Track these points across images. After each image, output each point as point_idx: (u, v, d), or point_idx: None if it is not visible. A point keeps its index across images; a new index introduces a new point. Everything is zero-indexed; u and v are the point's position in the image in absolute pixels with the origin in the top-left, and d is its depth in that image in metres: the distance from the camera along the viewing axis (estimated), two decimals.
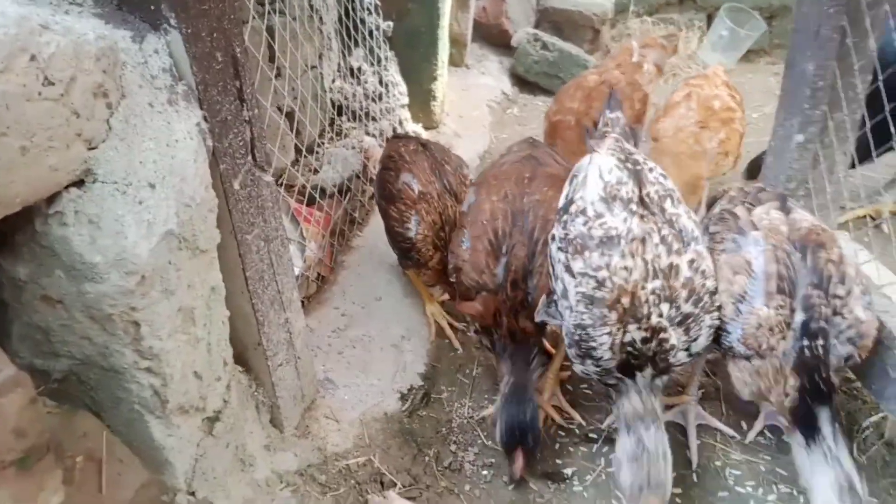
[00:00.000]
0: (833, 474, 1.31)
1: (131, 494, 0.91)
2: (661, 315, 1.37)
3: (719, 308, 1.42)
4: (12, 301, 1.00)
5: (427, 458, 1.66)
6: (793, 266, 1.40)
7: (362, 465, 1.56)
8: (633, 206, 1.42)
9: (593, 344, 1.39)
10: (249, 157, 1.22)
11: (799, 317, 1.36)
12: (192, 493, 1.19)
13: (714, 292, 1.43)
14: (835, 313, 1.37)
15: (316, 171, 2.18)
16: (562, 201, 1.52)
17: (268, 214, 1.31)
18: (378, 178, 2.06)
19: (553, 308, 1.51)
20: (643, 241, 1.38)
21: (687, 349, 1.41)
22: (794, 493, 1.60)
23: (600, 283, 1.36)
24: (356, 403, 1.72)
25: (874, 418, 1.75)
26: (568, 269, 1.41)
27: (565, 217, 1.47)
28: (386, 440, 1.66)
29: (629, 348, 1.39)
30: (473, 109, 3.36)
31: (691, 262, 1.40)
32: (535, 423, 1.54)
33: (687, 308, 1.38)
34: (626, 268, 1.36)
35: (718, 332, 1.43)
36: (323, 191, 2.17)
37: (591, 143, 1.63)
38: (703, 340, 1.40)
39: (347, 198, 2.24)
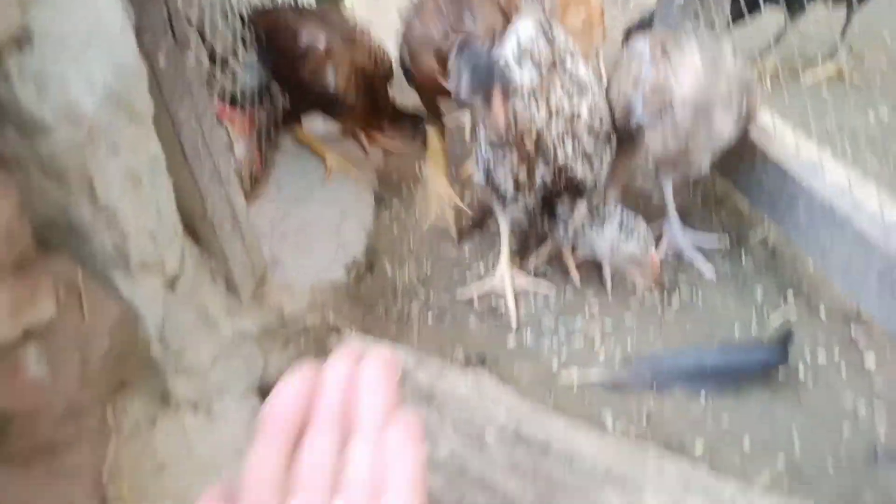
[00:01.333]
0: None
1: (111, 323, 1.03)
2: (566, 155, 1.58)
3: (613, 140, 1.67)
4: None
5: (376, 314, 1.84)
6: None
7: (318, 323, 1.73)
8: (541, 63, 1.58)
9: (497, 183, 1.60)
10: (170, 34, 1.31)
11: None
12: (165, 345, 1.32)
13: (608, 130, 1.68)
14: None
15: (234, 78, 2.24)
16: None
17: (195, 91, 1.40)
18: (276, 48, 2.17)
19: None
20: (546, 90, 1.56)
21: (594, 180, 1.65)
22: (692, 298, 1.86)
23: (505, 127, 1.54)
24: (305, 277, 1.86)
25: (759, 233, 2.02)
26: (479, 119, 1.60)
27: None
28: (337, 303, 1.82)
29: (542, 190, 1.62)
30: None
31: (590, 108, 1.61)
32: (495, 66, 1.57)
33: (589, 146, 1.59)
34: (529, 113, 1.54)
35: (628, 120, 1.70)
36: (243, 94, 2.24)
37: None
38: (605, 170, 1.66)
39: (267, 100, 2.32)
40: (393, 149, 2.38)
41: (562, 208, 1.69)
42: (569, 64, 1.63)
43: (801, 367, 1.64)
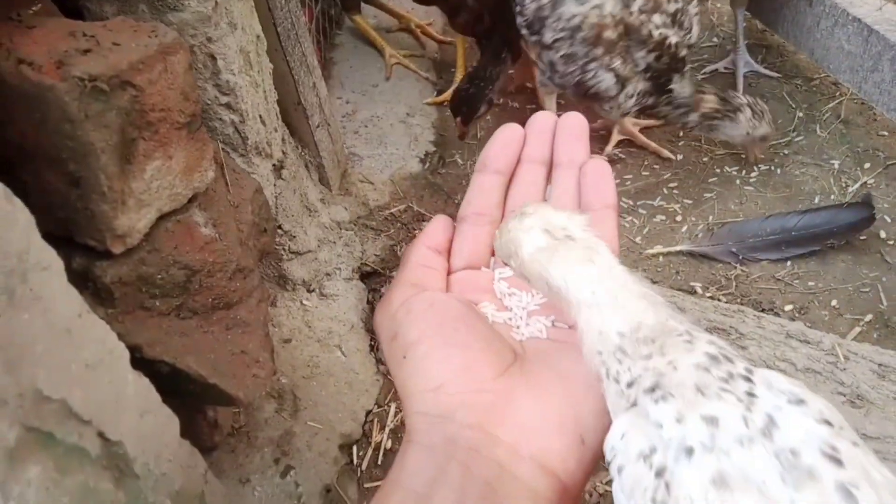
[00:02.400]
0: None
1: (250, 195, 1.07)
2: (657, 27, 1.53)
3: None
4: None
5: (456, 202, 1.87)
6: None
7: (403, 212, 1.77)
8: None
9: (593, 88, 1.56)
10: None
11: None
12: (280, 226, 1.37)
13: None
14: None
15: None
16: None
17: None
18: None
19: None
20: None
21: (687, 44, 1.59)
22: (772, 168, 1.87)
23: (574, 30, 1.50)
24: (383, 168, 1.89)
25: (831, 105, 2.00)
26: (543, 45, 1.57)
27: (519, 7, 1.61)
28: (417, 192, 1.86)
29: (649, 73, 1.58)
30: None
31: None
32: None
33: (672, 7, 1.54)
34: (594, 6, 1.49)
35: None
36: None
37: None
38: (697, 29, 1.59)
39: None
40: (446, 40, 2.35)
41: (674, 87, 1.64)
42: None
43: (882, 229, 1.67)
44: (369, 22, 2.33)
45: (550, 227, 0.52)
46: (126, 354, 0.74)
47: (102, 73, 0.69)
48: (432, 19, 2.35)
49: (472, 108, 1.85)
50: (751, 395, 0.43)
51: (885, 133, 1.89)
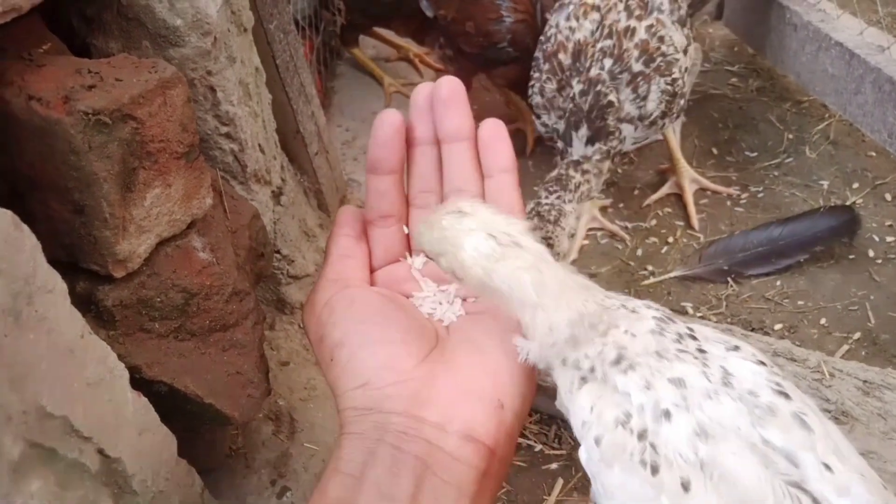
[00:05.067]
0: None
1: (247, 220, 1.11)
2: (601, 69, 1.46)
3: (675, 80, 1.49)
4: None
5: None
6: None
7: None
8: None
9: (531, 94, 1.57)
10: None
11: None
12: (278, 251, 1.41)
13: (670, 60, 1.49)
14: None
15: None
16: None
17: (281, 7, 1.44)
18: None
19: None
20: (605, 8, 1.50)
21: (638, 112, 1.48)
22: (762, 189, 1.91)
23: (545, 40, 1.56)
24: None
25: (820, 126, 2.04)
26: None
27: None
28: None
29: (570, 105, 1.47)
30: None
31: (650, 26, 1.49)
32: None
33: (637, 67, 1.46)
34: (570, 27, 1.51)
35: None
36: (297, 22, 2.27)
37: None
38: (653, 105, 1.48)
39: (322, 26, 2.34)
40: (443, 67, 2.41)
41: (576, 139, 1.47)
42: None
43: (870, 248, 1.70)
44: (368, 53, 2.39)
45: (494, 231, 0.55)
46: (126, 374, 0.78)
47: (105, 108, 0.73)
48: (429, 49, 2.42)
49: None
50: (701, 351, 0.48)
51: (874, 153, 1.92)
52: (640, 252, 1.80)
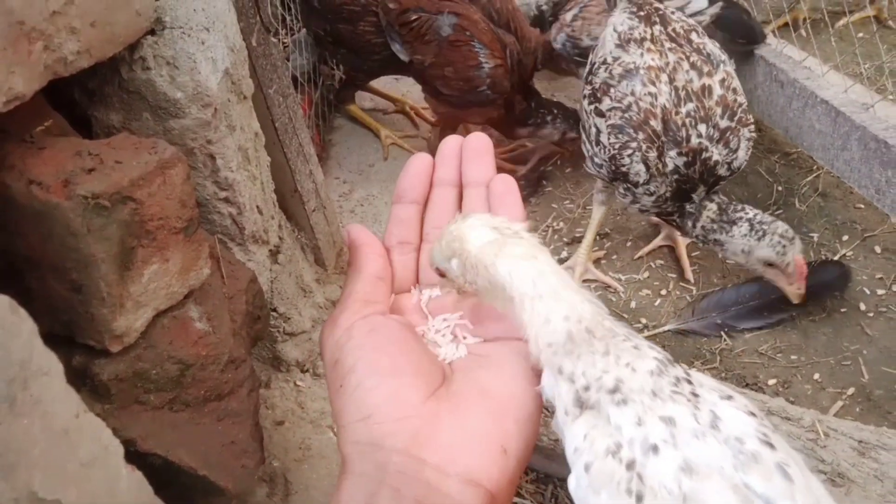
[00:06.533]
0: None
1: (245, 285, 1.13)
2: (700, 136, 1.48)
3: (752, 123, 1.53)
4: None
5: None
6: None
7: None
8: (648, 44, 1.54)
9: (624, 167, 1.52)
10: (258, 18, 1.39)
11: None
12: (274, 309, 1.42)
13: (746, 107, 1.53)
14: None
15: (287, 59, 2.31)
16: (587, 69, 1.70)
17: (280, 72, 1.48)
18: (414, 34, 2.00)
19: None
20: (670, 69, 1.51)
21: (728, 164, 1.52)
22: None
23: (626, 109, 1.51)
24: None
25: (809, 178, 2.08)
26: (598, 112, 1.57)
27: (590, 77, 1.64)
28: None
29: (676, 175, 1.52)
30: None
31: (722, 80, 1.52)
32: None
33: (724, 123, 1.49)
34: (650, 93, 1.50)
35: None
36: (295, 79, 2.32)
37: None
38: (743, 154, 1.52)
39: (321, 81, 2.40)
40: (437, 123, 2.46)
41: (696, 199, 1.55)
42: (696, 38, 1.56)
43: (861, 301, 1.71)
44: (366, 106, 2.44)
45: (496, 224, 0.59)
46: (120, 450, 0.78)
47: (105, 191, 0.75)
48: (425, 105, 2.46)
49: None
50: (695, 395, 0.50)
51: (862, 206, 1.95)
52: (633, 304, 1.81)
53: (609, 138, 1.54)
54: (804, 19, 2.61)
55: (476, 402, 0.57)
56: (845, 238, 1.88)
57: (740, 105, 1.52)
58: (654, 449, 0.47)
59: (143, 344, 0.88)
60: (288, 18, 2.43)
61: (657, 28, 1.55)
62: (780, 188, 2.06)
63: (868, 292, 1.73)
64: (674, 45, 1.53)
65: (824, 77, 1.89)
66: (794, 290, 1.50)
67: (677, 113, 1.48)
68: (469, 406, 0.57)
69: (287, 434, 1.38)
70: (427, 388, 0.57)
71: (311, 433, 1.40)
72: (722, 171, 1.51)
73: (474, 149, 0.70)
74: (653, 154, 1.50)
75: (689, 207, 1.55)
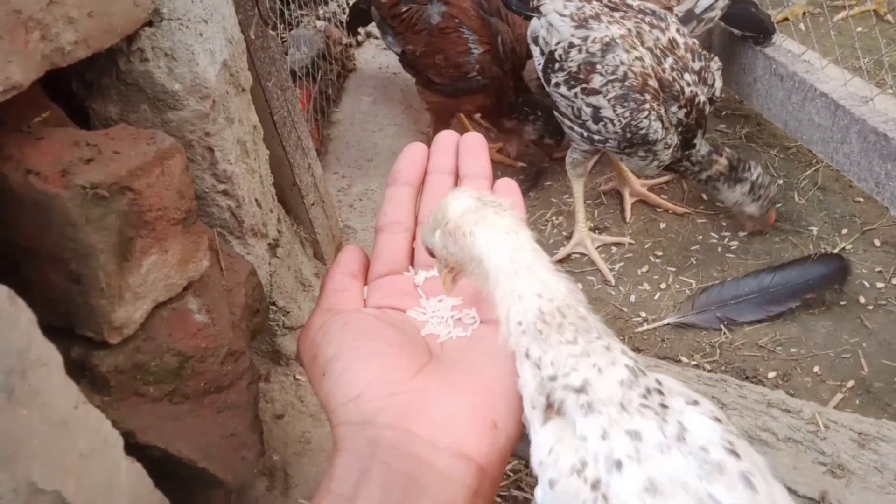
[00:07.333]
0: None
1: (243, 279, 1.12)
2: (689, 84, 1.63)
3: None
4: None
5: None
6: None
7: None
8: (604, 17, 1.64)
9: (643, 130, 1.61)
10: (256, 10, 1.38)
11: None
12: (273, 303, 1.42)
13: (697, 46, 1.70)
14: None
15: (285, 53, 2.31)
16: (540, 63, 1.73)
17: (279, 66, 1.48)
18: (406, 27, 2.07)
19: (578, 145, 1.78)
20: (637, 33, 1.63)
21: (710, 98, 1.68)
22: (753, 235, 1.93)
23: (623, 78, 1.59)
24: None
25: (808, 172, 2.08)
26: (588, 91, 1.63)
27: (556, 65, 1.68)
28: None
29: (680, 128, 1.66)
30: None
31: (678, 29, 1.68)
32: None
33: (697, 65, 1.64)
34: (637, 58, 1.60)
35: None
36: (294, 73, 2.31)
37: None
38: (719, 83, 1.67)
39: (319, 76, 2.39)
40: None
41: (697, 144, 1.70)
42: (632, 2, 1.70)
43: (861, 294, 1.71)
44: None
45: (481, 196, 0.59)
46: (120, 442, 0.78)
47: (103, 181, 0.75)
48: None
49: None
50: (664, 406, 0.49)
51: (861, 199, 1.95)
52: (633, 298, 1.81)
53: (616, 109, 1.61)
54: (804, 13, 2.62)
55: (466, 378, 0.57)
56: (845, 231, 1.88)
57: (696, 45, 1.67)
58: (619, 465, 0.47)
59: (142, 336, 0.88)
60: (286, 13, 2.43)
61: (596, 3, 1.67)
62: (779, 182, 2.05)
63: (867, 285, 1.73)
64: (621, 12, 1.66)
65: (823, 70, 1.89)
66: (754, 228, 1.87)
67: (664, 70, 1.61)
68: (459, 381, 0.57)
69: (286, 428, 1.37)
70: (414, 365, 0.57)
71: (311, 427, 1.40)
72: (707, 109, 1.67)
73: (470, 146, 0.72)
74: (662, 110, 1.61)
75: (696, 154, 1.71)
